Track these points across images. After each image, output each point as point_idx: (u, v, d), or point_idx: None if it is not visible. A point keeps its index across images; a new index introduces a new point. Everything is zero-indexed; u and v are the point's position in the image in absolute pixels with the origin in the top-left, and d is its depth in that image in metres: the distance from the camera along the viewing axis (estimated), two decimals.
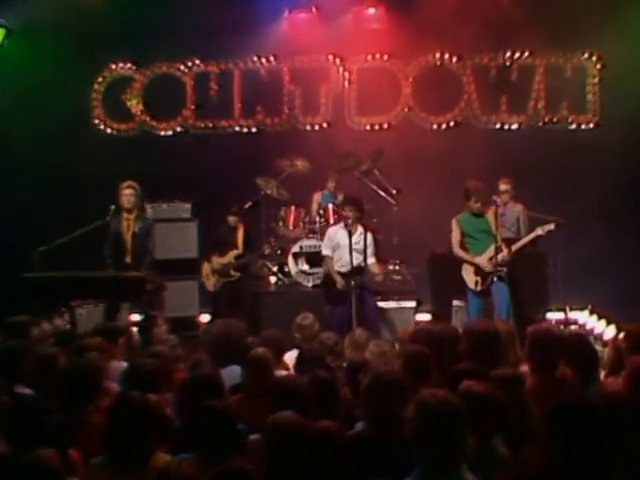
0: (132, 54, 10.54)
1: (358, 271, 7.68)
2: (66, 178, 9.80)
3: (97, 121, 10.64)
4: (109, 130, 10.72)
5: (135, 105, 10.72)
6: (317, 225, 9.12)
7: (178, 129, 10.72)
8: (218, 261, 8.65)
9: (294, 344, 5.71)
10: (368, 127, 10.60)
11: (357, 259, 7.71)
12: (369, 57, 10.55)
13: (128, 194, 7.75)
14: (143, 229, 7.86)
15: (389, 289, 8.93)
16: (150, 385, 4.27)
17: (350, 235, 7.68)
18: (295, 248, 8.90)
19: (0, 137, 9.96)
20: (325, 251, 8.10)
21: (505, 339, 4.94)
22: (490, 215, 7.76)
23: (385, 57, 10.51)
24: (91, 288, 7.07)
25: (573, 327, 8.88)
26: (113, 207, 7.65)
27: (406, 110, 10.54)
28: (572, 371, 4.49)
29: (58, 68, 9.99)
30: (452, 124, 10.48)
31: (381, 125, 10.59)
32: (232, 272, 8.56)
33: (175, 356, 5.20)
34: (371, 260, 7.89)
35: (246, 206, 9.22)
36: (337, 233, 7.98)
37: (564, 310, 8.79)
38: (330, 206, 9.18)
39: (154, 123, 10.76)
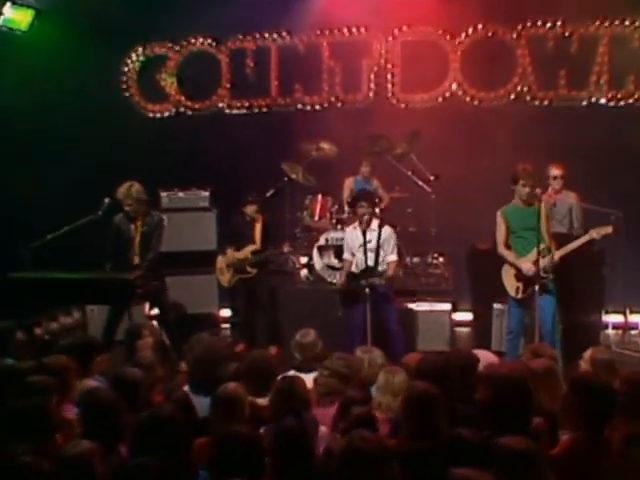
0: (166, 32, 10.03)
1: (370, 271, 6.98)
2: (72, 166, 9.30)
3: (135, 99, 10.28)
4: (144, 111, 10.31)
5: (170, 84, 10.26)
6: (345, 215, 8.39)
7: (216, 107, 10.20)
8: (234, 255, 8.01)
9: (292, 365, 5.05)
10: (412, 105, 9.81)
11: (370, 258, 7.04)
12: (414, 29, 9.72)
13: (128, 205, 7.25)
14: (151, 225, 7.37)
15: (423, 288, 8.12)
16: (108, 418, 3.78)
17: (364, 234, 7.00)
18: (321, 240, 8.16)
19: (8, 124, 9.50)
20: (345, 254, 7.47)
21: (541, 378, 4.10)
22: (541, 207, 6.57)
23: (431, 29, 9.68)
24: (75, 292, 6.52)
25: (633, 332, 8.01)
26: (107, 200, 7.09)
27: (454, 86, 9.69)
28: (616, 422, 3.63)
29: (87, 49, 9.52)
30: (505, 101, 9.55)
31: (427, 103, 9.78)
32: (248, 269, 7.90)
33: (152, 378, 4.56)
34: (391, 257, 7.17)
35: (268, 194, 8.56)
36: (350, 234, 7.39)
37: (624, 313, 7.88)
38: None
39: (189, 103, 10.31)
